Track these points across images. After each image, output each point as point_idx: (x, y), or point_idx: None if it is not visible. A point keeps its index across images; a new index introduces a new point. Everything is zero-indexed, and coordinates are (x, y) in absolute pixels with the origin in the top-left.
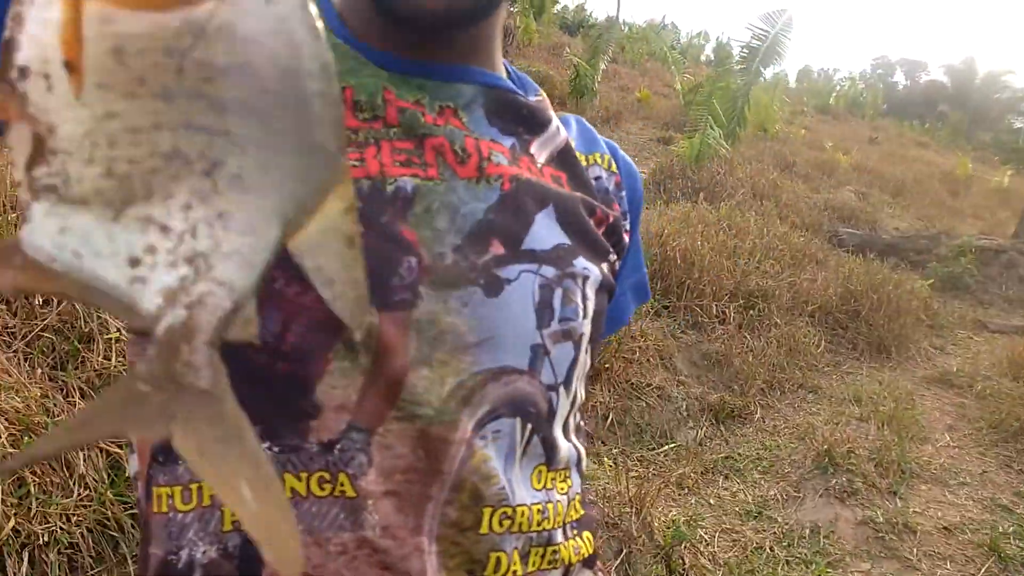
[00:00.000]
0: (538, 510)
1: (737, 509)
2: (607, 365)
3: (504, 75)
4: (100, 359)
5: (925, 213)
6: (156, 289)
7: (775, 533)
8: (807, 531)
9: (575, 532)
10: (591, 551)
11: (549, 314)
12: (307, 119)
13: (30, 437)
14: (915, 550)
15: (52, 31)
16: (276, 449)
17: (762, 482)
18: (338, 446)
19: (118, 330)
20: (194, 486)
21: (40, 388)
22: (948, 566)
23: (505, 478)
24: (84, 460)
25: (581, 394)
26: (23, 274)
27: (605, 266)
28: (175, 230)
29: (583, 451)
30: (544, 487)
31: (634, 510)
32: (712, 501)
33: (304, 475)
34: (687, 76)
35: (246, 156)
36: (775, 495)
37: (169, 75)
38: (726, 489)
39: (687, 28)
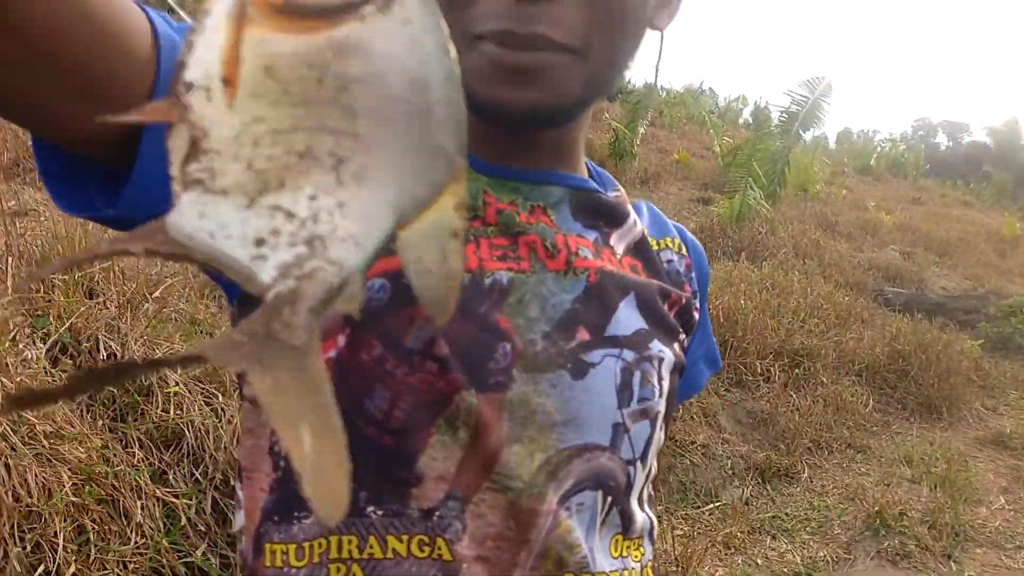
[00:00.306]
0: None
1: (786, 570)
2: None
3: (587, 174)
4: (159, 411)
5: (972, 273)
6: (274, 264)
7: None
8: None
9: None
10: None
11: (628, 395)
12: (430, 123)
13: (91, 486)
14: None
15: (216, 53)
16: (380, 513)
17: (811, 543)
18: (437, 513)
19: (176, 383)
20: (307, 544)
21: (101, 439)
22: None
23: (587, 547)
24: (141, 509)
25: (654, 467)
26: (160, 246)
27: (676, 346)
28: (299, 216)
29: (655, 520)
30: (620, 555)
31: (680, 569)
32: (760, 561)
33: (405, 537)
34: (726, 139)
35: (370, 155)
36: (825, 556)
37: (310, 85)
38: (774, 549)
39: (725, 92)
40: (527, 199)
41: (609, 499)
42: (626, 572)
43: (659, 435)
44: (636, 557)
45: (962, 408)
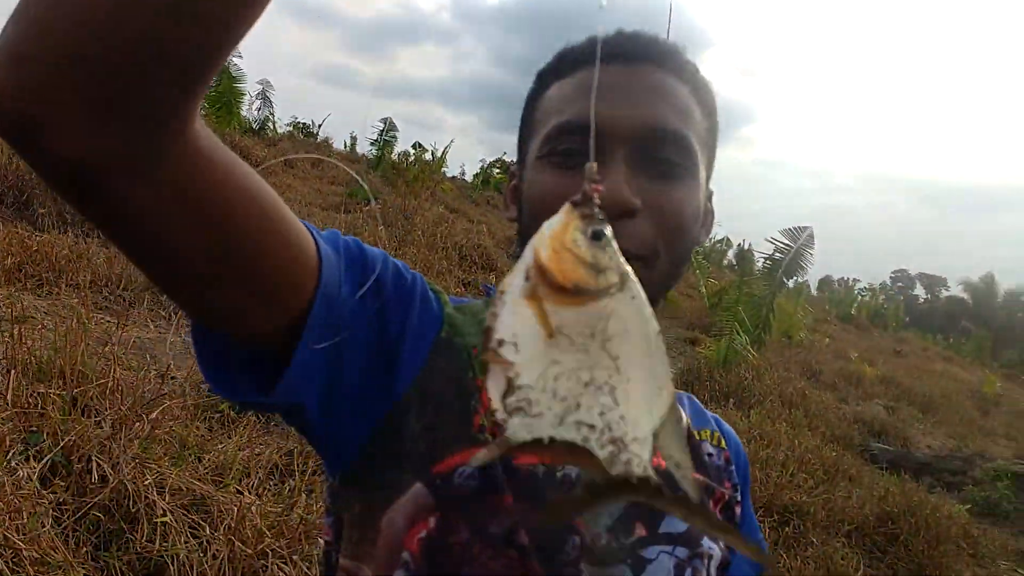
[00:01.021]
0: None
1: None
2: None
3: None
4: (144, 541)
5: (956, 431)
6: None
7: None
8: None
9: None
10: None
11: None
12: (654, 365)
13: None
14: None
15: (518, 319)
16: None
17: None
18: None
19: (164, 512)
20: None
21: (84, 568)
22: None
23: None
24: None
25: None
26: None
27: (722, 544)
28: (597, 427)
29: None
30: None
31: None
32: None
33: None
34: (711, 280)
35: (628, 381)
36: None
37: (586, 339)
38: None
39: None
40: None
41: None
42: None
43: None
44: None
45: None
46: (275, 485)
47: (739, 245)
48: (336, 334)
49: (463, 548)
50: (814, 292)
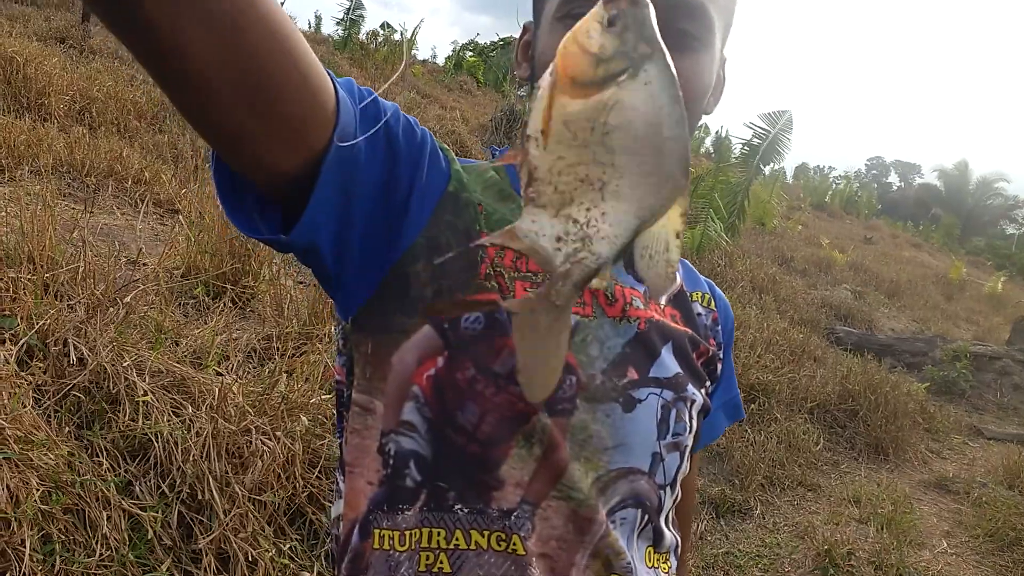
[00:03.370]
0: None
1: None
2: None
3: None
4: (127, 420)
5: (920, 315)
6: (564, 254)
7: None
8: None
9: None
10: None
11: (665, 428)
12: (663, 155)
13: (59, 495)
14: None
15: (539, 115)
16: (466, 511)
17: None
18: (514, 514)
19: (146, 392)
20: (408, 533)
21: (68, 446)
22: None
23: (629, 555)
24: (107, 521)
25: (679, 494)
26: (510, 241)
27: (703, 391)
28: (580, 221)
29: (678, 539)
30: (653, 566)
31: None
32: None
33: (486, 533)
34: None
35: (623, 179)
36: None
37: (587, 133)
38: None
39: None
40: None
41: (645, 517)
42: None
43: (686, 465)
44: (664, 569)
45: (908, 450)
46: (254, 368)
47: (717, 132)
48: (351, 178)
49: (468, 384)
50: (790, 180)
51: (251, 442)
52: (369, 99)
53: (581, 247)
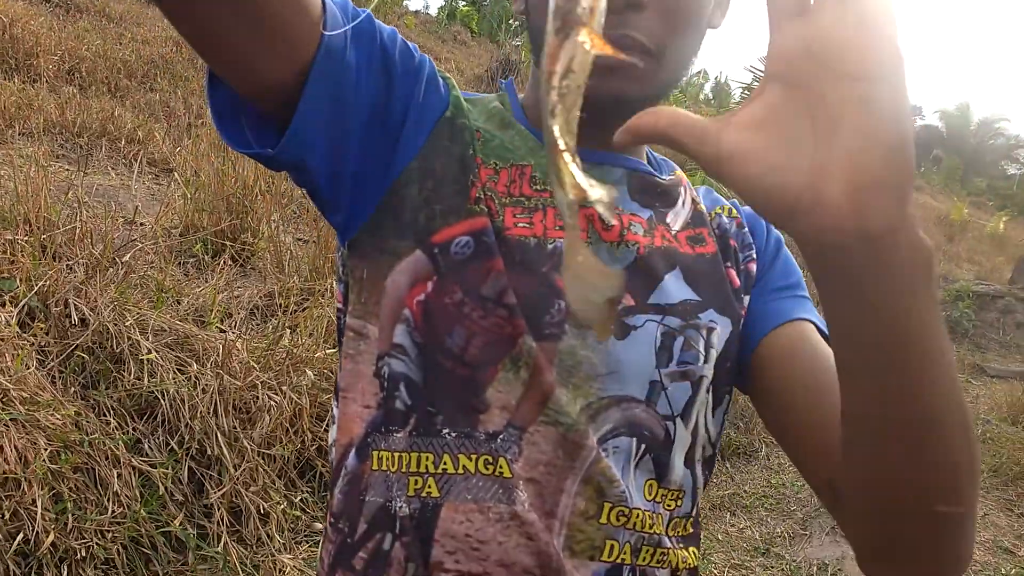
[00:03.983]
0: (649, 515)
1: (745, 545)
2: None
3: (646, 160)
4: (132, 379)
5: None
6: None
7: (783, 570)
8: (815, 568)
9: (682, 545)
10: (696, 564)
11: (667, 357)
12: None
13: (67, 454)
14: None
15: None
16: (453, 434)
17: (768, 519)
18: (500, 436)
19: (150, 351)
20: (398, 456)
21: (74, 406)
22: None
23: (624, 484)
24: (117, 478)
25: (710, 429)
26: None
27: (737, 312)
28: None
29: (703, 480)
30: (654, 499)
31: None
32: (720, 537)
33: (473, 456)
34: None
35: None
36: (782, 532)
37: None
38: (733, 525)
39: None
40: (591, 177)
41: (643, 447)
42: (656, 516)
43: (706, 397)
44: (669, 506)
45: None
46: (257, 325)
47: (716, 78)
48: (342, 92)
49: (456, 307)
50: None
51: (257, 397)
52: (364, 16)
53: None
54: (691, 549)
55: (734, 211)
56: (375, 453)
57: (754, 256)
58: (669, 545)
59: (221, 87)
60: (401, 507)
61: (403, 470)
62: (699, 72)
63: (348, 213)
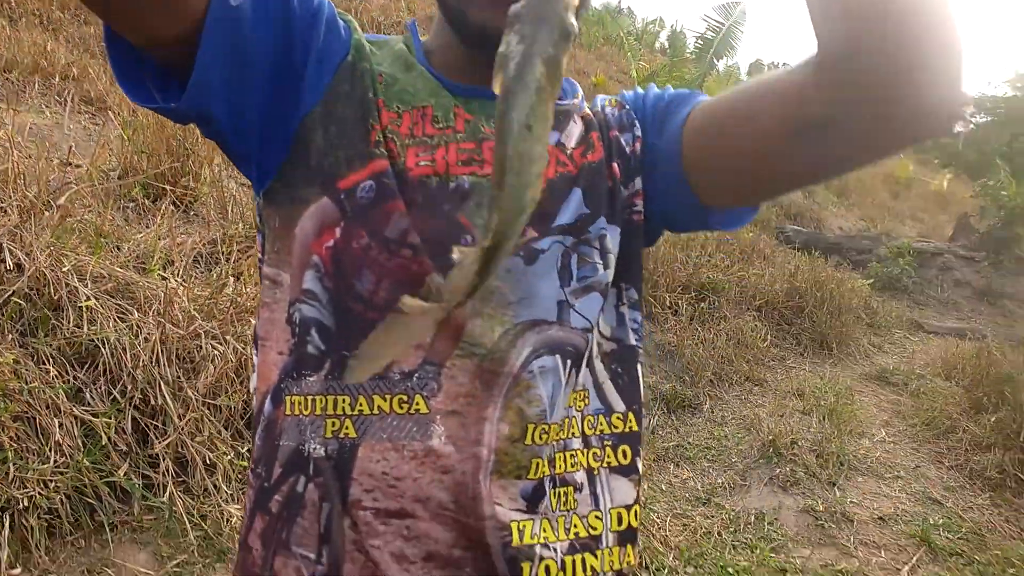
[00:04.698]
0: (566, 422)
1: (687, 495)
2: None
3: None
4: (71, 326)
5: (868, 214)
6: None
7: (723, 519)
8: (752, 518)
9: (610, 443)
10: (620, 462)
11: (568, 275)
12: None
13: (6, 402)
14: (852, 538)
15: None
16: (368, 377)
17: (711, 470)
18: (416, 375)
19: (88, 297)
20: (313, 399)
21: (12, 354)
22: (882, 554)
23: (548, 402)
24: (59, 428)
25: (602, 327)
26: None
27: (627, 208)
28: None
29: (609, 374)
30: (568, 406)
31: None
32: (664, 487)
33: (388, 396)
34: (642, 64)
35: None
36: (723, 483)
37: None
38: (677, 476)
39: (643, 14)
40: (491, 117)
41: (568, 362)
42: (569, 420)
43: (613, 300)
44: (579, 407)
45: (851, 345)
46: (201, 272)
47: (672, 27)
48: (239, 41)
49: (363, 251)
50: (744, 77)
51: (201, 347)
52: None
53: None
54: (622, 448)
55: (615, 100)
56: (288, 398)
57: (638, 133)
58: (577, 447)
59: (119, 41)
60: (316, 449)
61: (318, 413)
62: (655, 20)
63: (258, 163)
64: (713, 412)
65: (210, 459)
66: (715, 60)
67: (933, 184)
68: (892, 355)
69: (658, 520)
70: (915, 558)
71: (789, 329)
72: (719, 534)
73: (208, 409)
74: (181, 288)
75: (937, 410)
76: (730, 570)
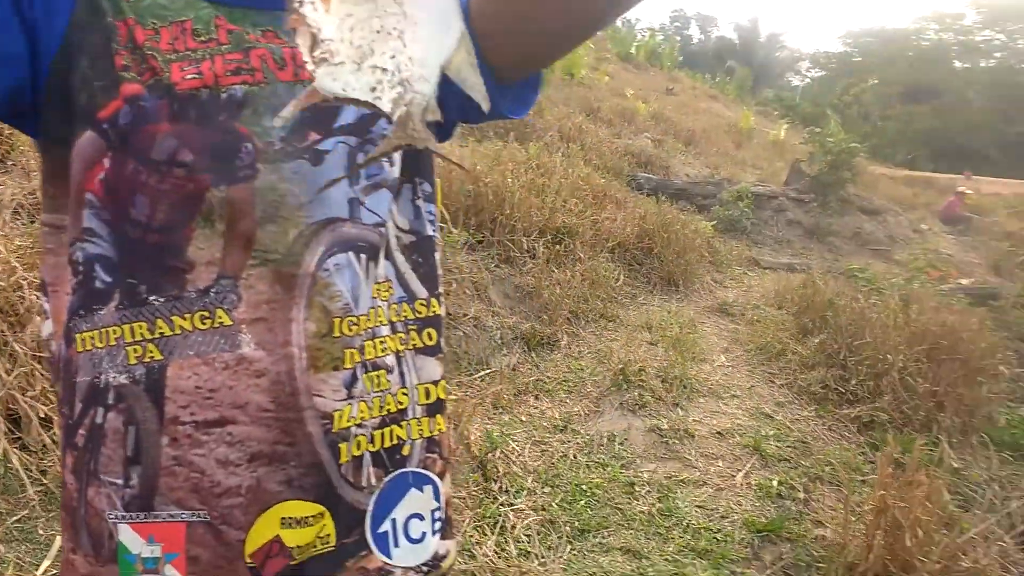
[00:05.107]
0: (373, 312)
1: (546, 424)
2: None
3: None
4: None
5: (713, 161)
6: (388, 99)
7: (578, 443)
8: (605, 439)
9: (415, 327)
10: (425, 343)
11: (356, 174)
12: (445, 5)
13: None
14: (693, 452)
15: None
16: (162, 299)
17: (568, 400)
18: (213, 290)
19: None
20: (107, 330)
21: None
22: (720, 464)
23: (350, 296)
24: None
25: (398, 220)
26: (315, 99)
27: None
28: (389, 70)
29: (412, 264)
30: (374, 297)
31: (452, 426)
32: (524, 418)
33: (188, 316)
34: None
35: (416, 24)
36: (578, 411)
37: None
38: (536, 408)
39: None
40: (256, 24)
41: (363, 256)
42: (376, 310)
43: (408, 193)
44: (385, 297)
45: (695, 281)
46: (24, 225)
47: None
48: None
49: (133, 177)
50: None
51: (24, 298)
52: None
53: (404, 91)
54: (427, 331)
55: None
56: (78, 336)
57: None
58: (386, 333)
59: None
60: (116, 378)
61: (113, 343)
62: None
63: (24, 113)
64: (571, 348)
65: (44, 413)
66: None
67: (771, 134)
68: (732, 289)
69: (517, 448)
70: (748, 465)
71: (640, 269)
72: (574, 456)
73: (38, 362)
74: (1, 239)
75: (770, 336)
76: (583, 487)
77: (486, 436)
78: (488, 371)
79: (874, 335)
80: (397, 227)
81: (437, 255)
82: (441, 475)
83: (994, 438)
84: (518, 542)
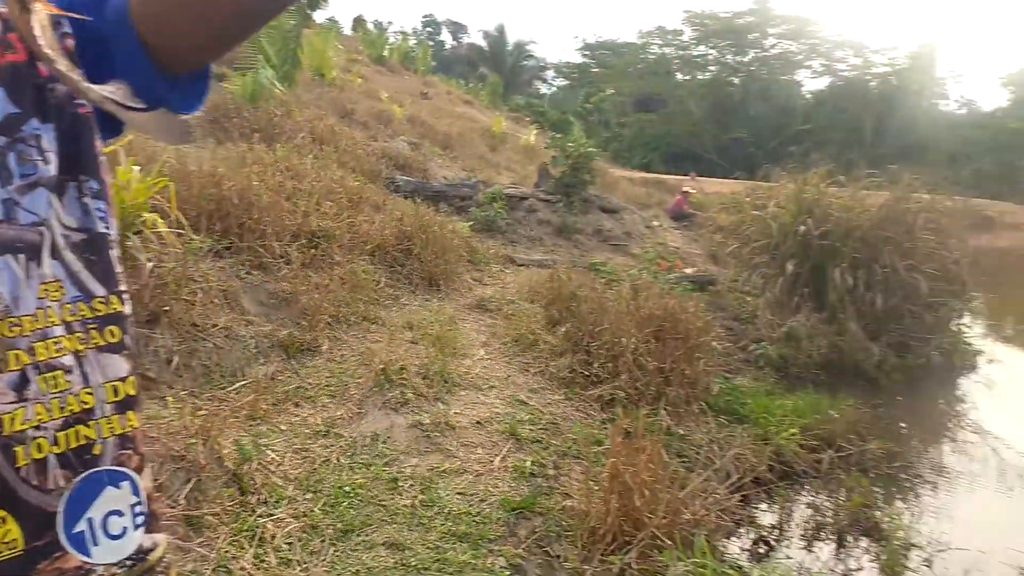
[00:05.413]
0: (40, 313)
1: (307, 431)
2: (166, 308)
3: None
4: None
5: (469, 164)
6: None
7: (341, 446)
8: (368, 440)
9: (95, 326)
10: (109, 341)
11: (8, 174)
12: None
13: None
14: (455, 442)
15: None
16: None
17: (330, 405)
18: None
19: None
20: None
21: None
22: (479, 451)
23: (10, 297)
24: None
25: (63, 218)
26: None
27: (70, 108)
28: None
29: (85, 262)
30: (41, 298)
31: (201, 440)
32: (284, 427)
33: None
34: None
35: None
36: (342, 415)
37: None
38: (297, 415)
39: None
40: None
41: (23, 257)
42: (46, 310)
43: (73, 192)
44: (55, 297)
45: (455, 280)
46: None
47: None
48: None
49: None
50: (348, 32)
51: None
52: None
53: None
54: (109, 329)
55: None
56: None
57: (67, 29)
58: (61, 333)
59: None
60: None
61: None
62: None
63: None
64: (332, 352)
65: None
66: (310, 11)
67: (523, 139)
68: (490, 286)
69: (277, 458)
70: (505, 450)
71: (401, 270)
72: (337, 460)
73: None
74: None
75: (523, 328)
76: (346, 488)
77: (238, 449)
78: (243, 382)
79: (611, 322)
80: (63, 226)
81: (113, 252)
82: (138, 470)
83: (712, 405)
84: (278, 551)
